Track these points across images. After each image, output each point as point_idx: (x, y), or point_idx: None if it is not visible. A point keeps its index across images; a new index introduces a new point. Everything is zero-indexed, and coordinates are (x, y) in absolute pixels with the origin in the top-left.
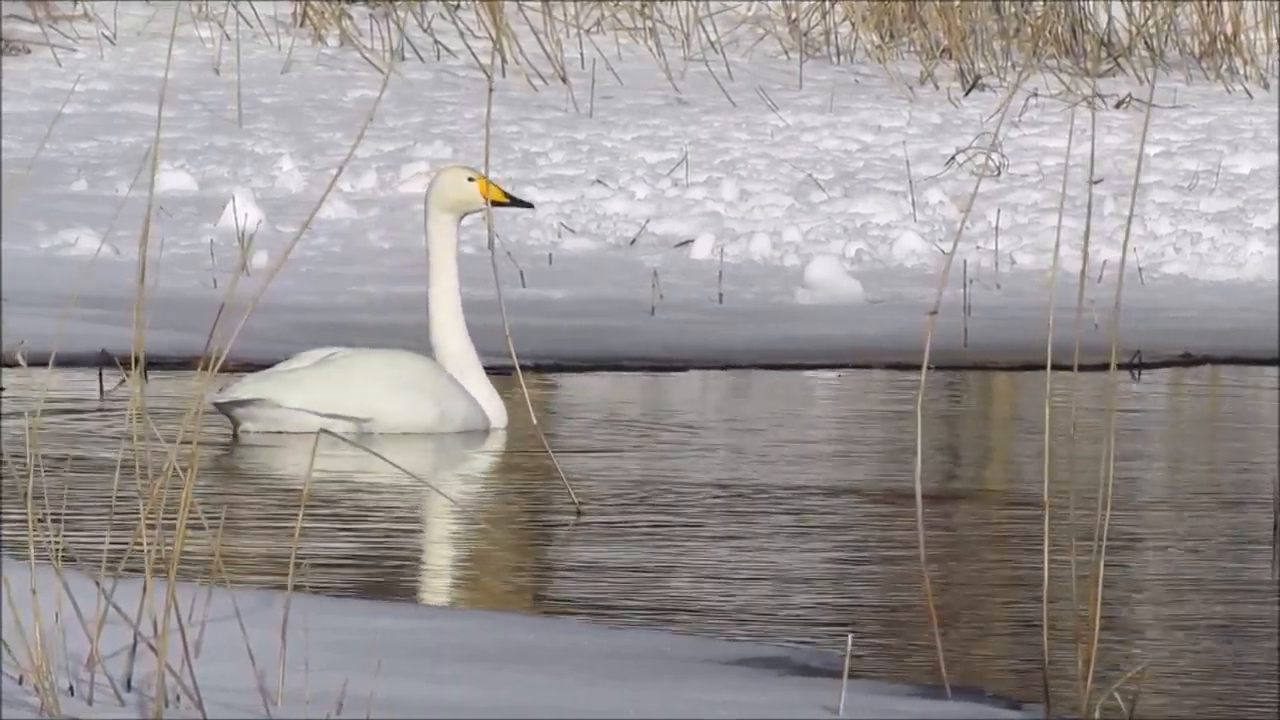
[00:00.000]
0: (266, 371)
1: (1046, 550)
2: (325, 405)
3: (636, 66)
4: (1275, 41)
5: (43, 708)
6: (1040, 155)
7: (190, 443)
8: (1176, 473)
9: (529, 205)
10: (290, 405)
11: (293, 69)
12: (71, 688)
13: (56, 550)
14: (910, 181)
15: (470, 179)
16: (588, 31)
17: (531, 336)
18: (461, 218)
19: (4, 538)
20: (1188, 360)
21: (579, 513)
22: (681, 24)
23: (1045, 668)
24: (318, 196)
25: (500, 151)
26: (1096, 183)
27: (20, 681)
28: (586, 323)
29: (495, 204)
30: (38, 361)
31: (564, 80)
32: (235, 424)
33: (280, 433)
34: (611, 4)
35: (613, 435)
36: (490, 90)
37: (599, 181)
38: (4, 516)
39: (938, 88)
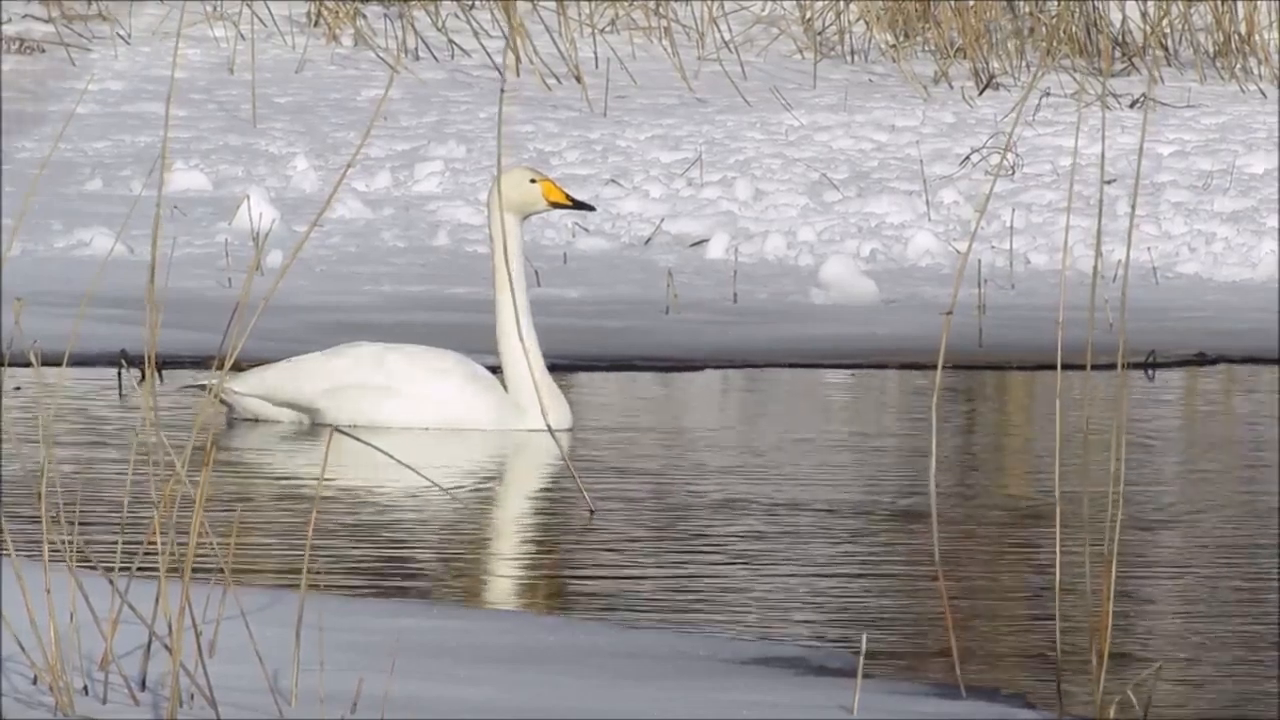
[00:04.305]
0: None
1: (1059, 550)
2: (276, 394)
3: (651, 66)
4: None
5: (57, 707)
6: (1055, 155)
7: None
8: (1189, 473)
9: (590, 208)
10: (242, 391)
11: (307, 69)
12: (86, 687)
13: (71, 550)
14: (924, 181)
15: (533, 180)
16: (602, 31)
17: (546, 336)
18: (524, 219)
19: (19, 538)
20: (1202, 360)
21: (591, 513)
22: (696, 23)
23: (1059, 667)
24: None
25: (514, 151)
26: (1110, 182)
27: (35, 681)
28: (601, 323)
29: (557, 205)
30: (53, 361)
31: (578, 80)
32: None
33: (257, 420)
34: (626, 3)
35: (627, 436)
36: (502, 90)
37: (613, 181)
38: (19, 516)
39: (952, 87)
